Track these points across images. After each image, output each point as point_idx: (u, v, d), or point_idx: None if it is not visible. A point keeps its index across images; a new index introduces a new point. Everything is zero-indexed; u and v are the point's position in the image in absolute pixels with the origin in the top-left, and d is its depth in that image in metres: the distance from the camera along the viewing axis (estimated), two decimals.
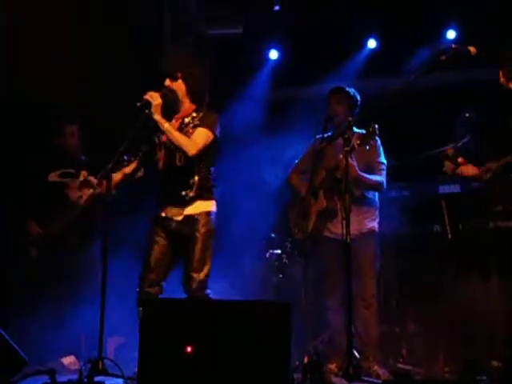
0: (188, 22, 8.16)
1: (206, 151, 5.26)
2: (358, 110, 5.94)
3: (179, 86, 5.33)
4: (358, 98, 5.98)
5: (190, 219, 5.24)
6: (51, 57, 7.10)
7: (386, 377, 5.45)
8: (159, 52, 5.58)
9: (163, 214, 5.32)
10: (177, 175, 5.28)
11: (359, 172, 5.64)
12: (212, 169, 5.38)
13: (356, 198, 5.72)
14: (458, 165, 5.39)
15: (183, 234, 5.25)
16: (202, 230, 5.23)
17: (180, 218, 5.27)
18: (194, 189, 5.25)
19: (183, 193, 5.24)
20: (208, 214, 5.28)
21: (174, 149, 5.24)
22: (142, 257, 5.37)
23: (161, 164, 5.35)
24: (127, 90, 6.73)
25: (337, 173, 5.72)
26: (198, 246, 5.21)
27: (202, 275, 5.21)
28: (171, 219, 5.28)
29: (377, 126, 5.41)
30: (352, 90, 5.98)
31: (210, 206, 5.31)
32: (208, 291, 5.26)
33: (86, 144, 6.74)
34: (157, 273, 5.29)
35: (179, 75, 5.30)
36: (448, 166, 5.44)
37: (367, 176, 5.75)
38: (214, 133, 5.28)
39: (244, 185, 7.39)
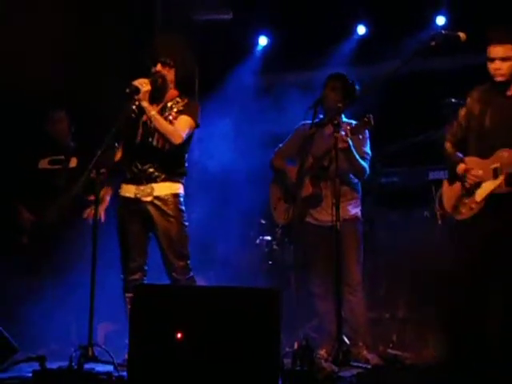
0: (179, 7, 8.13)
1: (187, 139, 5.27)
2: (353, 100, 5.89)
3: (169, 73, 5.30)
4: (357, 87, 5.94)
5: (160, 201, 5.23)
6: (39, 44, 7.06)
7: (375, 361, 5.47)
8: (150, 38, 5.55)
9: (131, 195, 5.29)
10: (151, 155, 5.26)
11: (354, 150, 5.63)
12: (186, 155, 5.38)
13: (342, 185, 5.72)
14: None
15: (155, 216, 5.24)
16: (173, 212, 5.23)
17: (149, 198, 5.25)
18: (165, 171, 5.25)
19: (154, 173, 5.23)
20: (176, 195, 5.27)
21: (152, 129, 5.23)
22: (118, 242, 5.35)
23: (136, 143, 5.31)
24: (117, 75, 6.71)
25: (324, 160, 5.73)
26: (173, 230, 5.23)
27: (181, 260, 5.25)
28: (140, 200, 5.27)
29: (371, 117, 5.42)
30: (352, 80, 5.94)
31: (178, 188, 5.30)
32: (191, 274, 5.29)
33: (74, 130, 6.72)
34: (137, 260, 5.30)
35: (172, 63, 5.29)
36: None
37: (359, 159, 5.74)
38: (196, 122, 5.29)
39: (234, 171, 7.38)
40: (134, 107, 5.20)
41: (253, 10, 8.30)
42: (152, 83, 5.16)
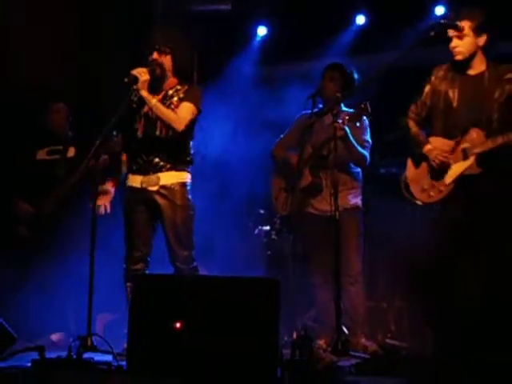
0: None
1: (190, 125, 5.26)
2: (353, 89, 5.86)
3: (166, 61, 5.30)
4: (356, 76, 5.94)
5: (166, 190, 5.24)
6: (38, 38, 7.06)
7: (373, 348, 5.49)
8: (149, 28, 5.56)
9: (138, 185, 5.31)
10: (155, 145, 5.27)
11: (352, 138, 5.62)
12: (191, 142, 5.38)
13: (342, 174, 5.73)
14: None
15: (161, 206, 5.25)
16: (179, 201, 5.24)
17: (155, 188, 5.26)
18: (171, 160, 5.26)
19: (160, 162, 5.25)
20: (183, 185, 5.29)
21: (154, 119, 5.24)
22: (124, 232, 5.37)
23: (139, 134, 5.32)
24: (116, 65, 6.71)
25: (323, 149, 5.73)
26: (178, 219, 5.24)
27: (185, 250, 5.26)
28: (146, 190, 5.28)
29: (368, 103, 5.41)
30: (351, 70, 5.94)
31: (185, 177, 5.32)
32: (195, 264, 5.31)
33: (72, 120, 6.72)
34: (141, 250, 5.31)
35: (168, 50, 5.29)
36: None
37: (358, 146, 5.74)
38: (198, 108, 5.29)
39: (232, 161, 7.38)
40: (135, 99, 5.21)
41: (251, 0, 8.29)
42: (150, 72, 5.17)
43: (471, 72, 5.16)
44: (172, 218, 5.24)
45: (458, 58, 5.12)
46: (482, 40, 5.09)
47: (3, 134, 6.78)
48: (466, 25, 5.06)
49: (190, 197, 5.32)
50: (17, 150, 6.67)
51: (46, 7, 7.00)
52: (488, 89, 5.06)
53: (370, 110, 5.42)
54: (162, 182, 5.25)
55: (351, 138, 5.63)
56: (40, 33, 7.01)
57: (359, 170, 5.98)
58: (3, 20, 6.92)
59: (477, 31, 5.06)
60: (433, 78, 5.29)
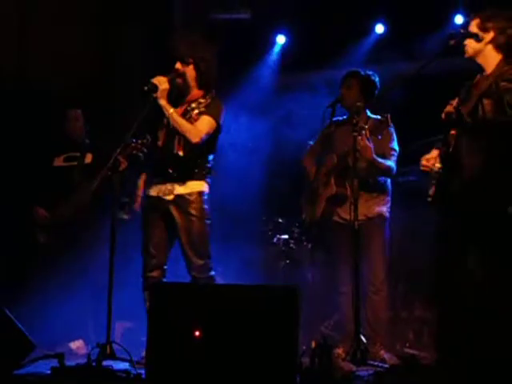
0: (197, 6, 8.15)
1: (208, 139, 5.26)
2: (374, 94, 5.88)
3: (189, 71, 5.31)
4: (375, 81, 5.92)
5: (181, 199, 5.25)
6: (59, 42, 7.11)
7: (392, 361, 5.46)
8: (170, 36, 5.58)
9: (154, 194, 5.34)
10: (172, 159, 5.28)
11: (374, 155, 5.60)
12: (210, 156, 5.38)
13: (367, 183, 5.71)
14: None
15: (176, 215, 5.26)
16: (194, 211, 5.24)
17: (171, 197, 5.28)
18: (187, 172, 5.27)
19: (176, 174, 5.25)
20: (199, 194, 5.28)
21: (174, 132, 5.25)
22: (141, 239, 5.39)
23: (160, 143, 5.35)
24: (136, 73, 6.75)
25: (348, 159, 5.70)
26: (193, 228, 5.25)
27: (201, 259, 5.26)
28: (162, 199, 5.30)
29: (389, 116, 5.38)
30: (367, 74, 5.92)
31: (201, 186, 5.31)
32: (212, 273, 5.30)
33: (90, 128, 6.75)
34: (158, 257, 5.33)
35: (191, 60, 5.29)
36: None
37: (381, 160, 5.70)
38: (217, 122, 5.29)
39: (251, 170, 7.39)
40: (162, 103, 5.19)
41: (271, 8, 8.29)
42: (170, 81, 5.18)
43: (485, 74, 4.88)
44: (186, 227, 5.25)
45: (466, 55, 4.89)
46: (489, 36, 4.80)
47: (20, 141, 6.83)
48: (474, 23, 4.85)
49: (205, 206, 5.31)
50: (34, 156, 6.71)
51: (65, 13, 7.06)
52: (478, 93, 4.75)
53: (390, 122, 5.39)
54: (176, 192, 5.27)
55: (376, 159, 5.61)
56: (56, 39, 7.06)
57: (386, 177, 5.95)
58: (23, 29, 6.98)
59: (482, 28, 4.81)
60: None
